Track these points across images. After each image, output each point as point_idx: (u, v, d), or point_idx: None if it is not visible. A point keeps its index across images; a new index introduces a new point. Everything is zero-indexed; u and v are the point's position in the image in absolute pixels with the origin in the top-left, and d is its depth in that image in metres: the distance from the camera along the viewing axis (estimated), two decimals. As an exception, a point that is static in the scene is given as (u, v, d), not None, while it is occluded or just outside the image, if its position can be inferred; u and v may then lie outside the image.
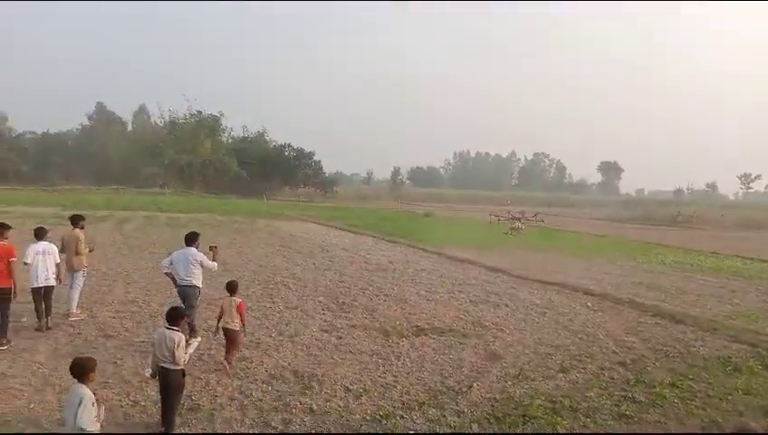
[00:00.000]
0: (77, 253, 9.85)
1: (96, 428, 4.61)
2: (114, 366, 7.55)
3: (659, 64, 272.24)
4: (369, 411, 6.56)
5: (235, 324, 7.69)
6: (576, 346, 9.61)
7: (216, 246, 9.54)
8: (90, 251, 10.39)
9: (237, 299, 7.90)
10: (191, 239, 9.02)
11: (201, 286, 8.98)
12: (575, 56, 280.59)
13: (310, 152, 78.76)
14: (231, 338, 7.72)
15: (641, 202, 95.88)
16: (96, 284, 12.16)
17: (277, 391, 7.02)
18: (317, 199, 71.13)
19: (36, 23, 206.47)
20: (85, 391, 4.61)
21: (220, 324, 7.80)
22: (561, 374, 8.13)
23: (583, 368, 8.46)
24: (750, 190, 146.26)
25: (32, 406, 6.18)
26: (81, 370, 4.74)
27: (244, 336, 8.32)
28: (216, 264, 9.20)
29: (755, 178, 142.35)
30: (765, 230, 49.22)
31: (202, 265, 8.82)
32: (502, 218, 41.54)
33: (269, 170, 74.07)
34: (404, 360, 8.46)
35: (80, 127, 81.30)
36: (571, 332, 10.57)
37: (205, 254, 8.98)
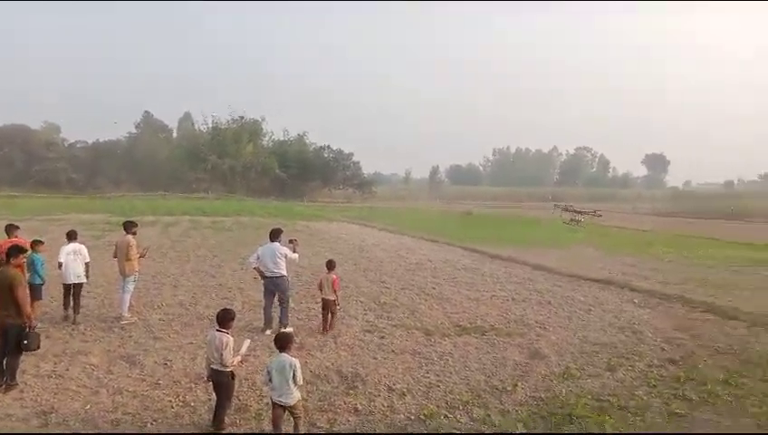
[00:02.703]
0: (128, 258, 10.19)
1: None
2: (165, 368, 7.79)
3: (701, 55, 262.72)
4: (413, 411, 6.58)
5: (332, 295, 9.68)
6: (623, 344, 9.40)
7: (295, 239, 10.70)
8: (141, 256, 10.74)
9: (333, 275, 9.82)
10: (276, 235, 10.00)
11: (288, 275, 10.03)
12: (619, 47, 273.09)
13: (349, 153, 79.34)
14: (328, 306, 9.72)
15: (689, 195, 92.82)
16: (144, 287, 12.55)
17: (322, 391, 7.12)
18: (356, 200, 71.61)
19: (87, 36, 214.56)
20: (293, 359, 5.73)
21: (322, 295, 9.76)
22: (608, 373, 7.98)
23: (631, 366, 8.27)
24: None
25: (88, 407, 6.44)
26: (285, 342, 5.85)
27: (338, 305, 10.07)
28: (297, 255, 10.25)
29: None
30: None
31: (286, 258, 9.79)
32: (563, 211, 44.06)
33: (308, 172, 74.99)
34: (447, 359, 8.45)
35: (127, 135, 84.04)
36: (617, 329, 10.35)
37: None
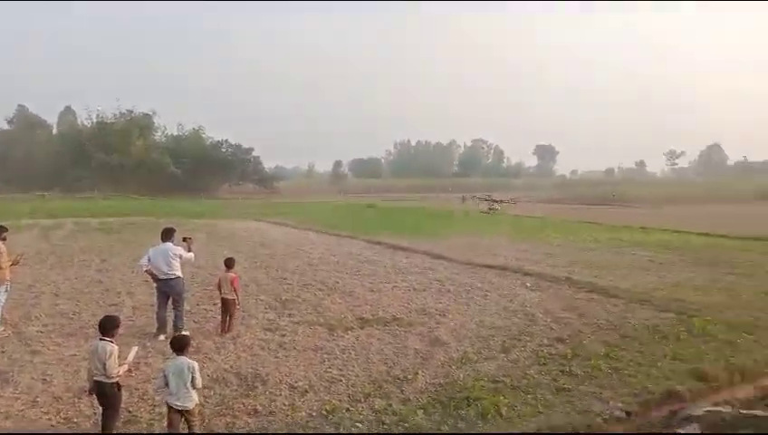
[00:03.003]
0: (-3, 266, 9.26)
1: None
2: (44, 383, 7.16)
3: (587, 46, 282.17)
4: (314, 408, 6.50)
5: (231, 295, 9.38)
6: (516, 326, 9.88)
7: (190, 238, 10.34)
8: (14, 264, 9.82)
9: (232, 274, 9.57)
10: (168, 234, 9.61)
11: (183, 276, 9.65)
12: (504, 42, 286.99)
13: (249, 148, 77.26)
14: (227, 306, 9.43)
15: (575, 183, 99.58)
16: (20, 297, 11.45)
17: (220, 394, 6.85)
18: (257, 196, 69.91)
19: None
20: (191, 362, 5.59)
21: (221, 294, 9.48)
22: (502, 354, 8.34)
23: (523, 347, 8.71)
24: (675, 166, 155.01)
25: (-47, 433, 5.79)
26: (182, 344, 5.71)
27: (238, 305, 9.76)
28: (193, 254, 9.97)
29: (680, 154, 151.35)
30: (690, 204, 52.17)
31: (181, 258, 9.44)
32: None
33: (206, 168, 72.13)
34: (349, 353, 8.45)
35: (-2, 131, 76.50)
36: (511, 312, 10.86)
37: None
